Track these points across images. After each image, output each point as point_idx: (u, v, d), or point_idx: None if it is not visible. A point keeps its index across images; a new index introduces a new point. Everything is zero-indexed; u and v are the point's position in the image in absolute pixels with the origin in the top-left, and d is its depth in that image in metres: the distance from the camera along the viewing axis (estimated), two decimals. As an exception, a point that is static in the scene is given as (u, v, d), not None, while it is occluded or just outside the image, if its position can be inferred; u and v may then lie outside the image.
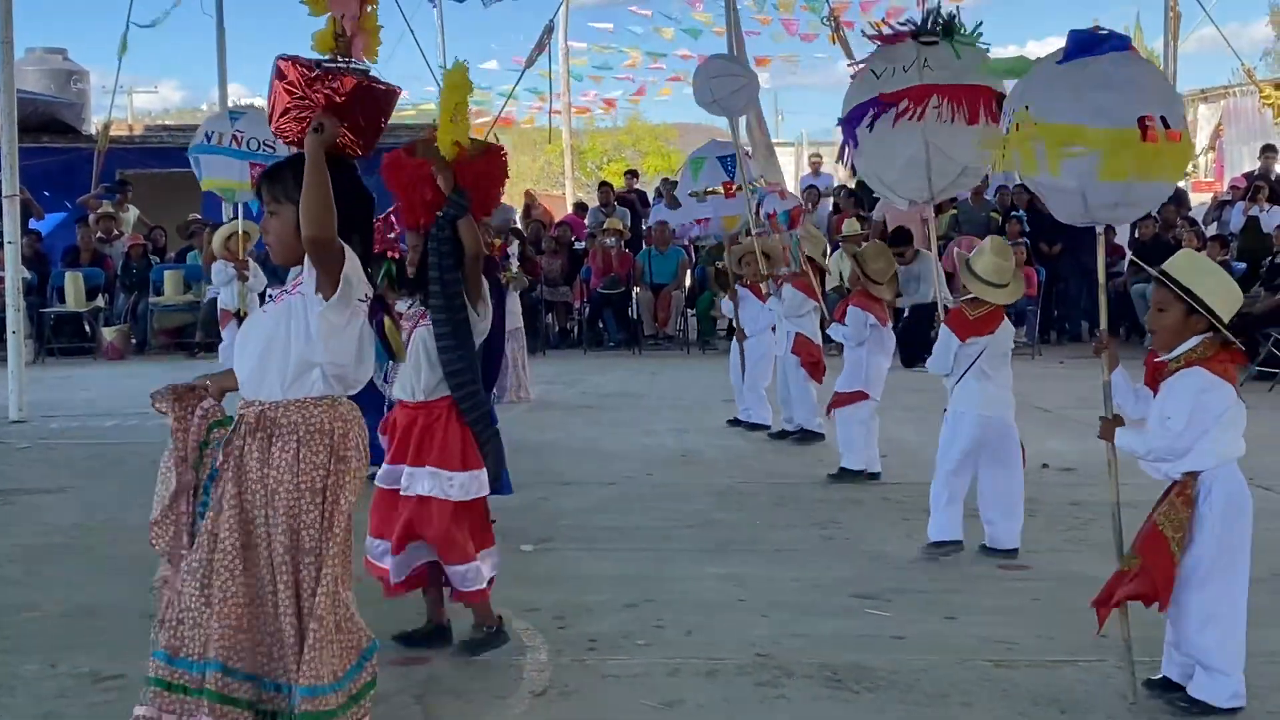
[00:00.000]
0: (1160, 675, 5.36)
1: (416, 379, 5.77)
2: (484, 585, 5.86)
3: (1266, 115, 21.68)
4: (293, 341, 4.30)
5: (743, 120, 13.71)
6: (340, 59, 4.68)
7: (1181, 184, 24.65)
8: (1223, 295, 5.15)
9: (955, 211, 20.87)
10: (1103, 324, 5.92)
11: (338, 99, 4.52)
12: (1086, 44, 5.75)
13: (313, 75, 4.53)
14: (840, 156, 8.28)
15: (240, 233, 16.00)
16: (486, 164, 5.86)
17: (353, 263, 4.30)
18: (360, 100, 4.59)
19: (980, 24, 7.72)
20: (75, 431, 12.71)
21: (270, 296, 4.52)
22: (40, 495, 9.76)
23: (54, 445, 11.95)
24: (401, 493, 5.75)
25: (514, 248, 15.47)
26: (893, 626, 6.42)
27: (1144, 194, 5.74)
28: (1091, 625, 5.39)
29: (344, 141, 4.51)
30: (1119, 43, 5.74)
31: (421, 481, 5.71)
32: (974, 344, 7.55)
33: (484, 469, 5.78)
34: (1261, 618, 6.10)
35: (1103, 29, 5.84)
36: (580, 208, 25.81)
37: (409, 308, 5.93)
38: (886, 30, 7.99)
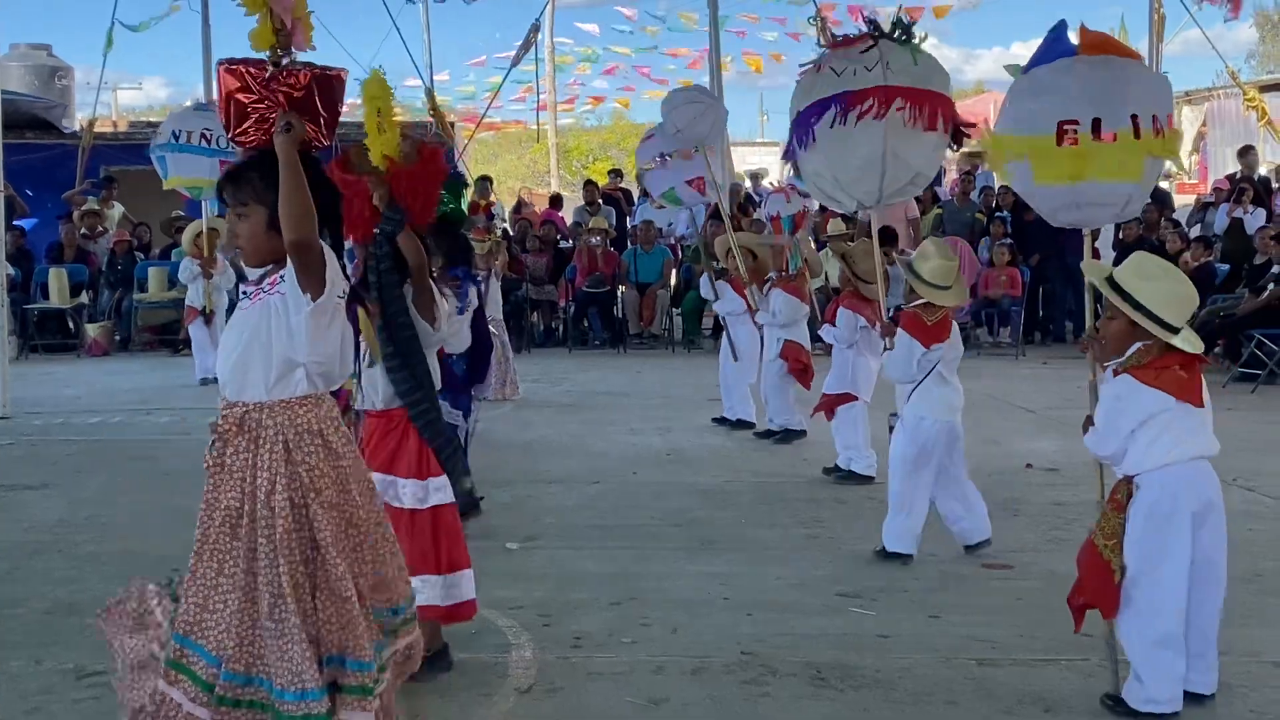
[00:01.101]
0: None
1: (374, 390, 5.63)
2: (438, 603, 5.55)
3: (1251, 117, 21.71)
4: (274, 342, 4.24)
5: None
6: (279, 53, 4.54)
7: (1165, 185, 24.74)
8: (1168, 300, 5.12)
9: (940, 212, 20.93)
10: (1088, 323, 5.94)
11: (296, 95, 4.48)
12: (1040, 55, 5.94)
13: (268, 75, 4.47)
14: (786, 155, 8.17)
15: (205, 230, 15.99)
16: (422, 168, 5.61)
17: (332, 261, 4.26)
18: (318, 91, 4.55)
19: (925, 36, 7.84)
20: (59, 428, 12.67)
21: (245, 294, 4.41)
22: (24, 492, 9.74)
23: (38, 442, 11.92)
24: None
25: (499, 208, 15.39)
26: (877, 625, 6.44)
27: (1097, 195, 5.76)
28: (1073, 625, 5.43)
29: (308, 135, 4.45)
30: (1064, 48, 5.86)
31: (385, 488, 5.46)
32: (936, 349, 7.55)
33: (442, 478, 5.61)
34: (1243, 617, 6.16)
35: (1062, 35, 5.95)
36: (556, 200, 25.81)
37: None
38: (850, 32, 8.06)
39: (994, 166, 6.03)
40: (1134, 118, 5.59)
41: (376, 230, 5.43)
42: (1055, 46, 5.91)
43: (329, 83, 4.61)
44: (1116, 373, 5.20)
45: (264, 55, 4.58)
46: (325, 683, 4.18)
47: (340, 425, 4.38)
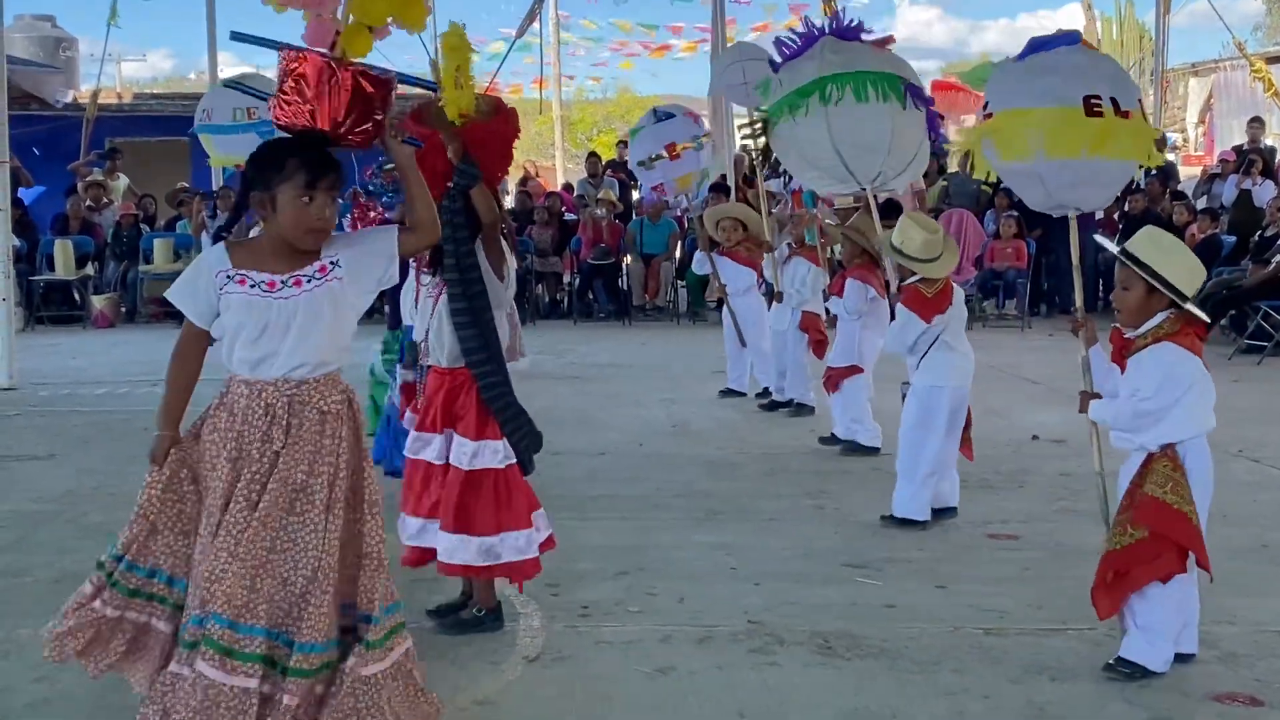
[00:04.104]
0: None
1: (441, 347, 5.72)
2: (474, 563, 5.70)
3: (1257, 89, 21.69)
4: (340, 324, 4.39)
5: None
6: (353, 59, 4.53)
7: (1171, 157, 24.71)
8: (1184, 272, 5.19)
9: (946, 184, 20.88)
10: (1078, 301, 5.98)
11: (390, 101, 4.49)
12: (1039, 43, 6.10)
13: (394, 86, 4.47)
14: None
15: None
16: (497, 124, 5.63)
17: None
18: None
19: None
20: (65, 399, 12.70)
21: (283, 282, 4.36)
22: (31, 462, 9.76)
23: (44, 413, 11.94)
24: (424, 459, 5.75)
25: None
26: (884, 595, 6.44)
27: (1103, 173, 5.80)
28: (1081, 593, 5.44)
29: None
30: (1069, 38, 6.04)
31: (440, 446, 5.70)
32: (939, 321, 7.58)
33: (499, 442, 5.67)
34: (1249, 587, 6.18)
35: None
36: (567, 188, 25.73)
37: (430, 279, 5.83)
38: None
39: (978, 156, 6.06)
40: (1140, 101, 5.72)
41: (450, 184, 5.47)
42: (1055, 38, 6.05)
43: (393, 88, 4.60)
44: (1137, 344, 5.21)
45: (323, 53, 4.53)
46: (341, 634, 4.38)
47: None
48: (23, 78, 24.69)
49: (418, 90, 5.63)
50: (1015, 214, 19.05)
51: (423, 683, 4.60)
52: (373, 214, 8.79)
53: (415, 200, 4.45)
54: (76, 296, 19.94)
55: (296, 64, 4.38)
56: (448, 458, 5.70)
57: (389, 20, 4.68)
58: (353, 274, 4.37)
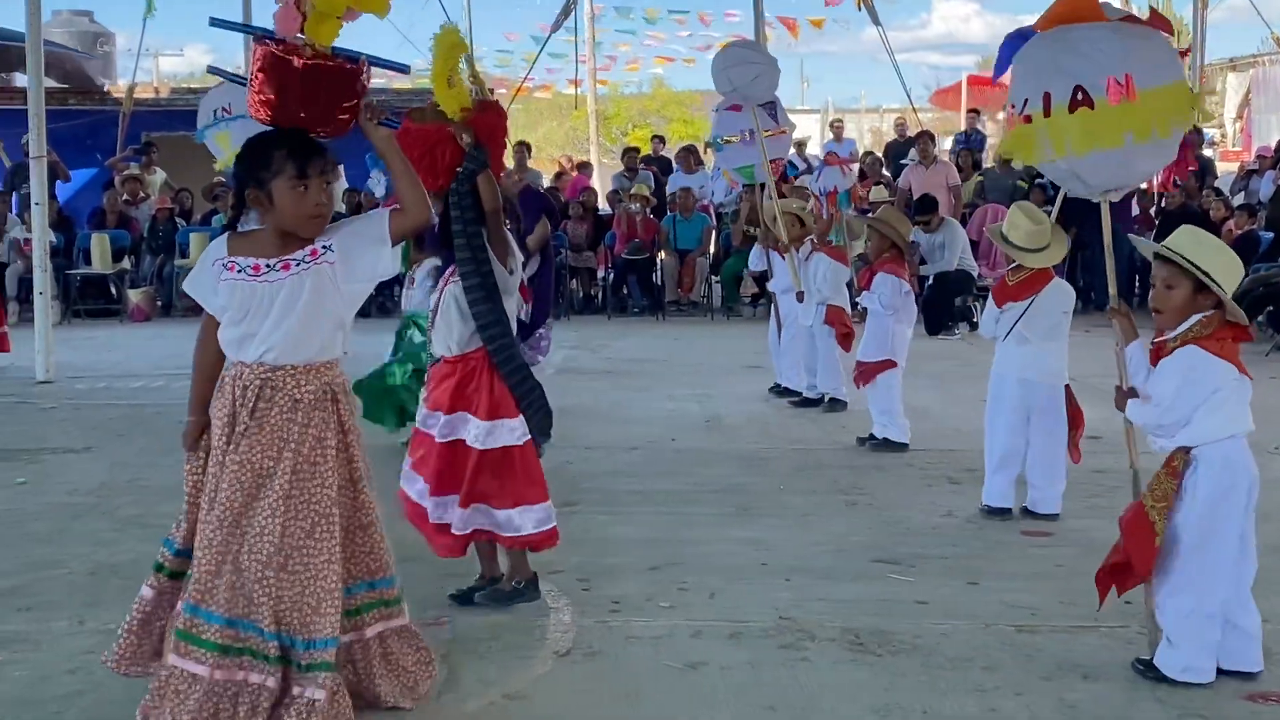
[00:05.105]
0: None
1: (450, 334, 5.80)
2: (523, 533, 5.87)
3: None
4: (329, 308, 4.41)
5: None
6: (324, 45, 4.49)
7: (1208, 153, 24.55)
8: (1226, 269, 5.12)
9: (981, 179, 20.79)
10: (1112, 291, 5.91)
11: (363, 87, 4.48)
12: (1009, 48, 6.06)
13: (360, 73, 4.47)
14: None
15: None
16: (492, 119, 5.81)
17: None
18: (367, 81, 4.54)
19: None
20: (101, 392, 12.78)
21: (269, 266, 4.43)
22: (67, 455, 9.82)
23: (80, 406, 12.01)
24: (436, 439, 5.81)
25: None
26: (915, 591, 6.43)
27: (1141, 154, 5.68)
28: (1115, 592, 5.41)
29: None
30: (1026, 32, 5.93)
31: (453, 427, 5.77)
32: (1010, 309, 7.59)
33: (516, 419, 5.79)
34: (1274, 585, 6.12)
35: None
36: (583, 166, 25.74)
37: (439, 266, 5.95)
38: None
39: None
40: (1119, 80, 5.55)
41: (459, 170, 5.61)
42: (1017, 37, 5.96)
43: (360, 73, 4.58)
44: (1169, 346, 5.16)
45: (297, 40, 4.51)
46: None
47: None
48: (64, 59, 24.85)
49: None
50: (1051, 210, 18.92)
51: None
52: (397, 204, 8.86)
53: (400, 180, 4.43)
54: (113, 290, 20.01)
55: (261, 58, 4.42)
56: (456, 436, 5.80)
57: (349, 8, 4.59)
58: (344, 257, 4.40)
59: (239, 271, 4.43)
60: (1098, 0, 5.68)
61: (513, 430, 5.79)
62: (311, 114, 4.43)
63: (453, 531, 5.83)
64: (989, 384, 7.89)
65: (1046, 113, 5.54)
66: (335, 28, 4.50)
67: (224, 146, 13.76)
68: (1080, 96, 5.46)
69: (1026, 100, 5.65)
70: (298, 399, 4.38)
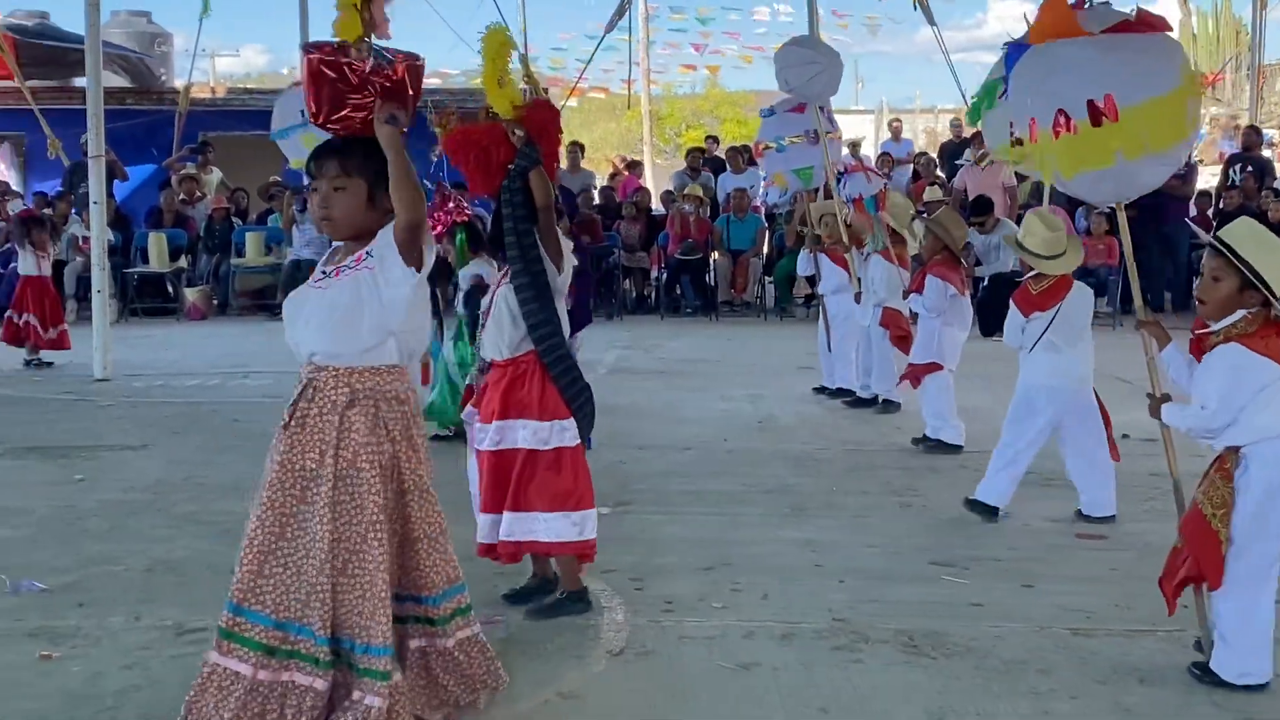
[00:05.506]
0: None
1: (501, 336, 5.78)
2: (553, 540, 5.82)
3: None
4: (370, 314, 4.38)
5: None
6: (365, 41, 4.48)
7: (1268, 153, 24.31)
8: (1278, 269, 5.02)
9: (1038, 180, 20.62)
10: (1137, 301, 5.86)
11: (390, 85, 4.48)
12: (1011, 61, 5.89)
13: (369, 69, 4.46)
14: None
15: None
16: (545, 116, 5.79)
17: (430, 237, 4.46)
18: (412, 81, 4.56)
19: None
20: (158, 390, 12.86)
21: (324, 273, 4.51)
22: (123, 452, 9.90)
23: (137, 403, 12.10)
24: (485, 451, 5.81)
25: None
26: (970, 594, 6.40)
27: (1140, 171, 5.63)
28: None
29: (408, 125, 4.50)
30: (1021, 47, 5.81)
31: (503, 433, 5.77)
32: (1038, 319, 7.53)
33: (568, 420, 5.77)
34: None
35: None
36: (633, 165, 25.68)
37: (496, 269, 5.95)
38: None
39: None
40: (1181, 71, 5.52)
41: (512, 166, 5.60)
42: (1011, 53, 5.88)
43: (418, 71, 4.61)
44: (1211, 341, 5.10)
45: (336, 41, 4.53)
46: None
47: (416, 397, 4.60)
48: (128, 59, 25.06)
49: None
50: (1101, 211, 18.81)
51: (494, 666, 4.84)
52: (451, 204, 8.83)
53: (393, 175, 4.32)
54: (170, 289, 20.15)
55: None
56: (505, 445, 5.79)
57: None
58: (380, 263, 4.38)
59: (317, 279, 4.55)
60: (1074, 15, 5.61)
61: (565, 430, 5.78)
62: (320, 115, 4.50)
63: (501, 538, 5.83)
64: (1016, 393, 7.77)
65: (1033, 138, 5.52)
66: (358, 22, 4.50)
67: (309, 148, 13.77)
68: (1063, 120, 5.42)
69: (1014, 124, 5.67)
70: (335, 400, 4.38)
